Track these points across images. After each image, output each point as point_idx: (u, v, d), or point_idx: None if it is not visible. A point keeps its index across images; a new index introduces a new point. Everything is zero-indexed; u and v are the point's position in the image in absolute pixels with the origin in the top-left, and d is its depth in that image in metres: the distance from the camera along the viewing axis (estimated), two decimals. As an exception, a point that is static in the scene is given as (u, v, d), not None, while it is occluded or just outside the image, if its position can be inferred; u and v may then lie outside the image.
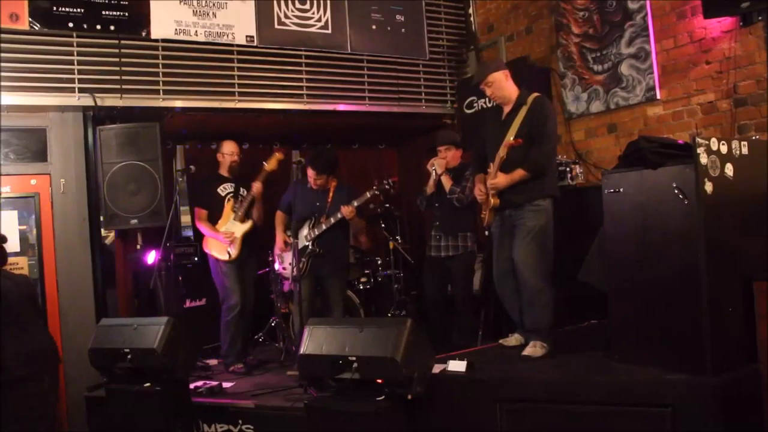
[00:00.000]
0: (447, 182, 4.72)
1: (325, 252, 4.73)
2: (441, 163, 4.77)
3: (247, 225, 4.90)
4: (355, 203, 4.68)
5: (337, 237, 4.84)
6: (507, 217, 3.85)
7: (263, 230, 5.11)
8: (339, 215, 4.68)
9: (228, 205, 5.00)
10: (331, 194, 4.84)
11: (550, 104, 3.94)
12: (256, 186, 4.90)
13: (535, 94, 3.86)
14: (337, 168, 4.95)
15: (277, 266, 5.13)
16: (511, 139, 3.67)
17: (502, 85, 3.87)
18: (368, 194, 4.74)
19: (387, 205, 6.27)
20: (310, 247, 4.72)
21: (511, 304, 3.96)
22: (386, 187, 4.77)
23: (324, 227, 4.72)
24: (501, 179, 3.74)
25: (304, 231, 4.79)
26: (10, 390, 3.35)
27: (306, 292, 4.66)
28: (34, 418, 3.42)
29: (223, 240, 4.85)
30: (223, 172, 5.09)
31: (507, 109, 3.90)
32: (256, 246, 5.10)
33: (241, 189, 5.05)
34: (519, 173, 3.70)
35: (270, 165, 4.93)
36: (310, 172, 4.77)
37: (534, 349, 3.65)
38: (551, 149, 3.86)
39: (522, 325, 3.92)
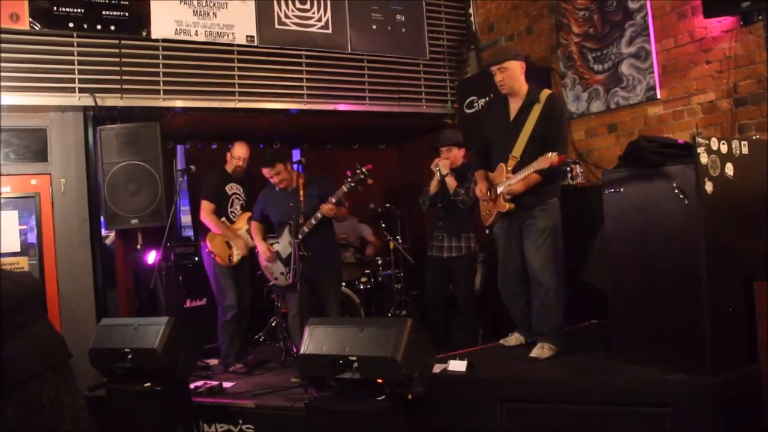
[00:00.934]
0: (451, 183, 4.69)
1: (313, 254, 4.56)
2: (445, 164, 4.74)
3: (254, 244, 4.94)
4: (333, 200, 4.51)
5: (322, 236, 4.69)
6: (514, 218, 3.78)
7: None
8: (319, 215, 4.53)
9: (243, 216, 5.04)
10: (301, 192, 4.69)
11: (562, 103, 3.86)
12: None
13: (548, 92, 3.76)
14: (286, 159, 4.80)
15: (269, 278, 5.03)
16: (553, 156, 3.40)
17: (516, 76, 3.74)
18: (344, 188, 4.49)
19: (388, 205, 6.28)
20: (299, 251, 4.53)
21: (514, 305, 3.94)
22: (361, 176, 4.47)
23: (306, 230, 4.56)
24: (519, 185, 3.63)
25: (286, 238, 4.67)
26: (21, 391, 3.34)
27: (303, 296, 4.62)
28: (49, 416, 3.41)
29: (238, 245, 4.87)
30: (230, 170, 5.10)
31: (515, 105, 3.78)
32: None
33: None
34: (534, 177, 3.59)
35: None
36: (266, 172, 4.72)
37: (541, 351, 3.61)
38: (564, 151, 3.79)
39: (523, 325, 3.92)
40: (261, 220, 4.88)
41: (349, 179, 4.51)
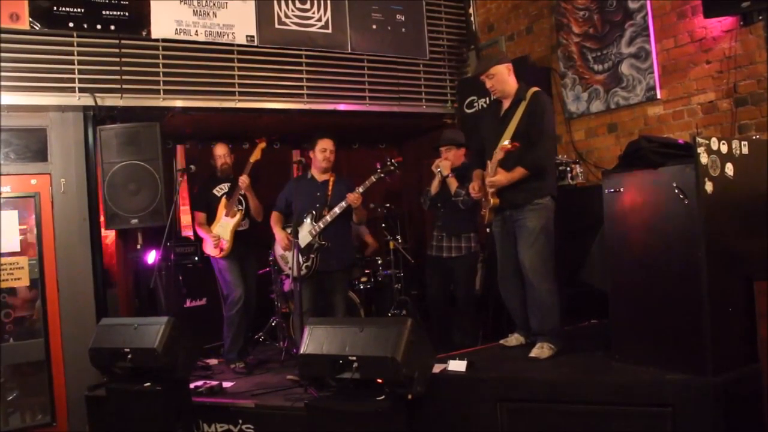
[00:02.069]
0: (453, 184, 4.69)
1: (331, 245, 4.59)
2: (446, 165, 4.74)
3: (237, 217, 4.93)
4: (361, 189, 4.55)
5: (341, 230, 4.72)
6: (507, 217, 3.82)
7: (261, 228, 5.12)
8: (344, 204, 4.55)
9: (222, 202, 5.06)
10: (330, 186, 4.75)
11: (548, 99, 3.89)
12: (242, 179, 4.92)
13: (534, 89, 3.82)
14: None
15: (283, 267, 5.01)
16: (507, 143, 3.58)
17: (504, 79, 3.82)
18: (374, 178, 4.56)
19: (388, 205, 6.27)
20: (316, 241, 4.58)
21: (513, 304, 3.95)
22: (391, 168, 4.56)
23: (329, 219, 4.59)
24: (500, 177, 3.69)
25: (306, 226, 4.68)
26: None
27: (309, 292, 4.61)
28: None
29: (210, 242, 4.92)
30: (218, 171, 5.16)
31: (506, 105, 3.86)
32: (255, 243, 5.12)
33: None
34: (519, 171, 3.66)
35: (254, 156, 5.00)
36: (324, 143, 4.73)
37: (541, 351, 3.63)
38: (550, 147, 3.84)
39: (523, 325, 3.92)
40: (284, 209, 4.85)
41: (378, 170, 4.56)
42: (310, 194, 4.74)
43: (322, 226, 4.60)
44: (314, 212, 4.64)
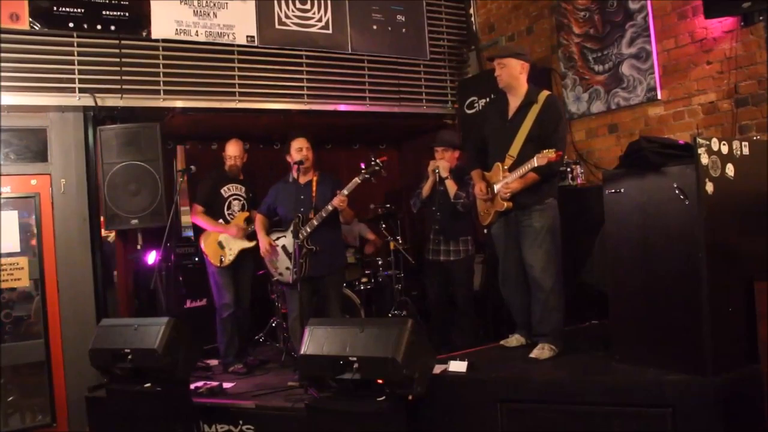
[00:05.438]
0: (452, 187, 4.65)
1: (319, 249, 4.45)
2: (445, 166, 4.69)
3: (251, 244, 4.86)
4: (346, 191, 4.38)
5: (330, 233, 4.57)
6: (512, 218, 3.79)
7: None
8: (330, 207, 4.40)
9: (241, 216, 4.99)
10: (314, 188, 4.59)
11: (561, 104, 3.85)
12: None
13: (546, 93, 3.77)
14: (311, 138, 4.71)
15: (273, 273, 4.85)
16: (551, 153, 3.42)
17: (514, 74, 3.75)
18: (358, 179, 4.36)
19: (388, 206, 6.27)
20: (305, 246, 4.41)
21: (516, 304, 3.93)
22: (376, 168, 4.36)
23: (315, 223, 4.43)
24: (516, 185, 3.63)
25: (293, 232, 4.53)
26: None
27: (302, 297, 4.56)
28: None
29: (230, 232, 4.85)
30: (227, 170, 5.09)
31: (514, 104, 3.79)
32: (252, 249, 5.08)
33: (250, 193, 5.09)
34: (532, 177, 3.61)
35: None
36: (298, 142, 4.60)
37: (541, 351, 3.62)
38: (562, 149, 3.80)
39: (524, 325, 3.91)
40: (267, 214, 4.74)
41: (363, 170, 4.41)
42: (294, 198, 4.58)
43: (308, 230, 4.44)
44: (299, 217, 4.45)
